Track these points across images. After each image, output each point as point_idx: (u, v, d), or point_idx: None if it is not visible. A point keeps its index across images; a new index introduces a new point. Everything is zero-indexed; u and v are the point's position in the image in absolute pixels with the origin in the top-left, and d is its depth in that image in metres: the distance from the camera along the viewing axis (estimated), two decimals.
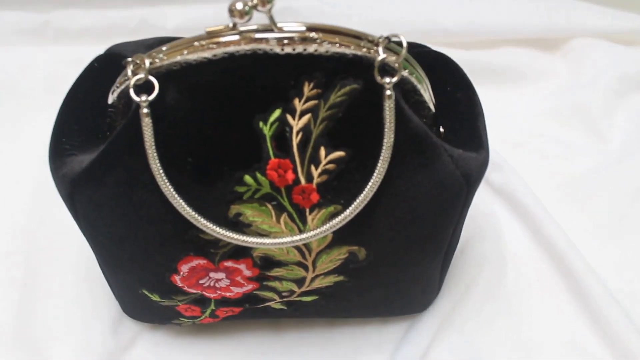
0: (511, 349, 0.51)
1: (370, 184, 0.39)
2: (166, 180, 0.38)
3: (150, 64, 0.37)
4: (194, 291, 0.46)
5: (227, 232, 0.39)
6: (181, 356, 0.51)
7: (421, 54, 0.43)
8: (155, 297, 0.47)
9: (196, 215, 0.39)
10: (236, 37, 0.36)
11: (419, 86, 0.40)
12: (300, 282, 0.45)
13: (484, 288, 0.54)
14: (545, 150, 0.64)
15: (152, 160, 0.38)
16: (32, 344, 0.51)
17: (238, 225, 0.40)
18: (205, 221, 0.39)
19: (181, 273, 0.44)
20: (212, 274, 0.44)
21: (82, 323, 0.51)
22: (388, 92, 0.37)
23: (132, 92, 0.37)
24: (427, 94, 0.41)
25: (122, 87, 0.39)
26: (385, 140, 0.38)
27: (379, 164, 0.39)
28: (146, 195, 0.39)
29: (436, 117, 0.43)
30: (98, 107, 0.42)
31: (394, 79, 0.37)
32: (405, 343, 0.51)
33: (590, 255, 0.55)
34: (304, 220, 0.41)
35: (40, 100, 0.70)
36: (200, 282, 0.45)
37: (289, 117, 0.38)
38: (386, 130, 0.38)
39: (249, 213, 0.40)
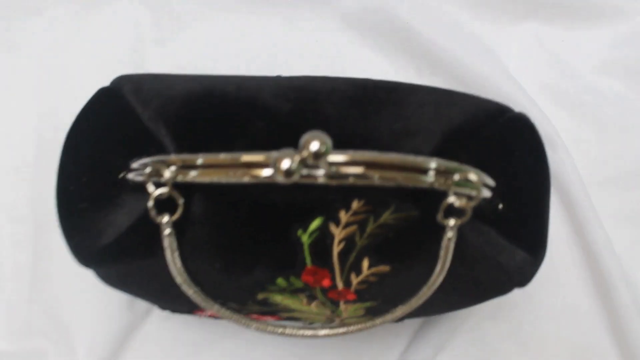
0: (523, 347, 0.52)
1: (415, 299, 0.36)
2: (193, 286, 0.35)
3: (173, 177, 0.31)
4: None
5: (255, 324, 0.37)
6: (193, 329, 0.52)
7: (495, 129, 0.36)
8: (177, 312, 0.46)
9: (220, 309, 0.37)
10: (273, 173, 0.30)
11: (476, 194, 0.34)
12: (328, 321, 0.44)
13: None
14: (605, 117, 0.56)
15: (175, 271, 0.34)
16: (50, 313, 0.51)
17: (266, 304, 0.38)
18: (228, 312, 0.37)
19: (204, 314, 0.42)
20: None
21: (99, 295, 0.51)
22: (449, 235, 0.32)
23: (152, 211, 0.32)
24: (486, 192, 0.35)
25: (139, 179, 0.34)
26: (437, 269, 0.34)
27: (425, 288, 0.35)
28: (168, 279, 0.36)
29: (496, 192, 0.38)
30: (106, 155, 0.37)
31: (459, 222, 0.32)
32: (416, 345, 0.51)
33: (628, 249, 0.52)
34: (336, 307, 0.38)
35: None
36: None
37: (331, 226, 0.33)
38: (440, 262, 0.34)
39: (279, 299, 0.38)
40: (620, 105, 0.55)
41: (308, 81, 0.36)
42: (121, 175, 0.36)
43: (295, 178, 0.29)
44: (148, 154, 0.35)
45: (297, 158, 0.28)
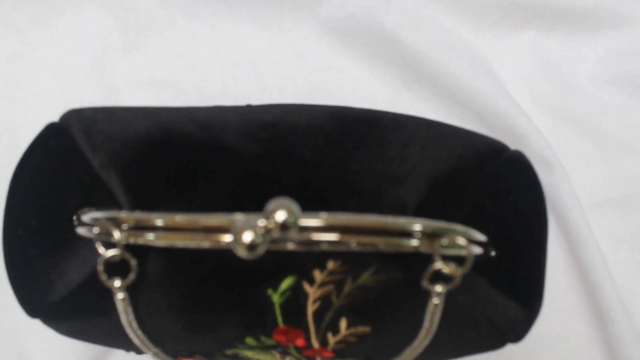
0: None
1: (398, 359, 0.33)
2: (152, 347, 0.32)
3: (125, 238, 0.28)
4: None
5: None
6: None
7: (489, 172, 0.32)
8: None
9: None
10: (234, 246, 0.26)
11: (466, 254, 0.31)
12: None
13: None
14: (606, 131, 0.52)
15: (131, 333, 0.31)
16: (12, 344, 0.48)
17: (236, 358, 0.35)
18: None
19: None
20: None
21: None
22: (436, 302, 0.29)
23: (102, 276, 0.29)
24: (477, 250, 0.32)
25: (89, 235, 0.30)
26: (421, 334, 0.31)
27: (409, 351, 0.32)
28: (126, 338, 0.33)
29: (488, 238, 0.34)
30: (55, 197, 0.33)
31: (446, 289, 0.29)
32: None
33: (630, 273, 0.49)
34: None
35: None
36: None
37: (305, 285, 0.30)
38: (424, 328, 0.31)
39: (249, 354, 0.34)
40: (623, 119, 0.51)
41: (280, 115, 0.32)
42: (74, 219, 0.32)
43: (259, 252, 0.25)
44: (101, 202, 0.31)
45: (261, 229, 0.25)
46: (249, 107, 0.34)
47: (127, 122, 0.32)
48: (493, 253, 0.34)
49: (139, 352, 0.40)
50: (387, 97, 0.50)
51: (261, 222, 0.25)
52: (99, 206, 0.31)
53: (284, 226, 0.25)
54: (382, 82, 0.50)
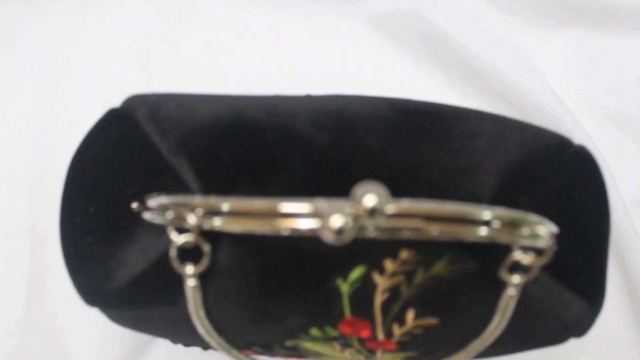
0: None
1: (463, 352, 0.32)
2: (217, 337, 0.31)
3: (199, 223, 0.27)
4: None
5: None
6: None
7: (557, 166, 0.32)
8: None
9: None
10: (321, 229, 0.26)
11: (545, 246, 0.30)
12: None
13: None
14: None
15: (198, 322, 0.31)
16: (46, 338, 0.47)
17: (294, 350, 0.35)
18: None
19: None
20: None
21: (100, 320, 0.47)
22: (512, 292, 0.29)
23: (175, 262, 0.28)
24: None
25: (159, 222, 0.29)
26: (492, 326, 0.31)
27: (477, 343, 0.31)
28: (189, 327, 0.32)
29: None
30: (116, 184, 0.33)
31: (525, 280, 0.28)
32: None
33: None
34: (371, 355, 0.35)
35: None
36: None
37: (375, 275, 0.30)
38: (496, 319, 0.30)
39: (309, 345, 0.34)
40: None
41: (344, 104, 0.32)
42: (135, 206, 0.32)
43: (347, 237, 0.25)
44: (165, 187, 0.31)
45: (351, 214, 0.24)
46: (309, 97, 0.34)
47: (193, 108, 0.31)
48: (556, 249, 0.33)
49: (189, 344, 0.39)
50: (431, 93, 0.50)
51: (349, 207, 0.25)
52: (164, 192, 0.31)
53: (372, 211, 0.24)
54: (426, 78, 0.50)
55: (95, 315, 0.46)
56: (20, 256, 0.48)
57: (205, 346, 0.38)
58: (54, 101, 0.49)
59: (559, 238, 0.32)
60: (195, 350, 0.47)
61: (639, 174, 0.50)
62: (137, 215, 0.32)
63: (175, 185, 0.31)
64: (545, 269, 0.32)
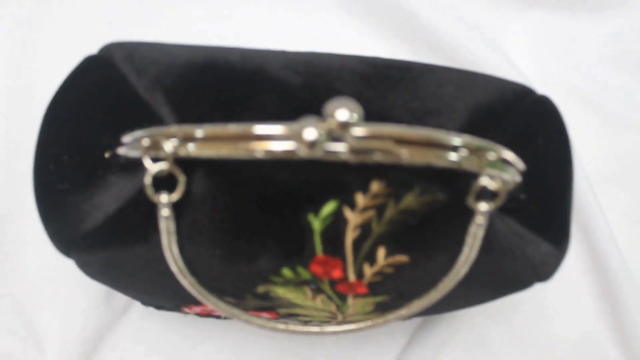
0: (525, 349, 0.49)
1: (434, 292, 0.33)
2: (189, 276, 0.31)
3: (175, 151, 0.28)
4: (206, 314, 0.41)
5: (254, 319, 0.34)
6: (177, 327, 0.48)
7: (521, 112, 0.33)
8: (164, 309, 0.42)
9: (218, 302, 0.33)
10: (295, 146, 0.26)
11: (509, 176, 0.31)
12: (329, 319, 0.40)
13: None
14: (610, 111, 0.53)
15: (170, 258, 0.31)
16: (18, 309, 0.46)
17: (265, 298, 0.35)
18: (227, 307, 0.34)
19: (191, 311, 0.39)
20: None
21: (73, 290, 0.47)
22: (479, 221, 0.29)
23: (149, 190, 0.28)
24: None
25: (134, 154, 0.30)
26: (462, 258, 0.31)
27: (447, 280, 0.32)
28: (161, 268, 0.33)
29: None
30: (91, 130, 0.33)
31: (492, 207, 0.29)
32: (413, 346, 0.48)
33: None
34: (343, 302, 0.35)
35: None
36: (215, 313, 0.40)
37: (346, 211, 0.30)
38: (465, 250, 0.31)
39: (281, 292, 0.34)
40: (627, 98, 0.53)
41: (315, 56, 0.33)
42: (108, 153, 0.32)
43: (319, 152, 0.25)
44: (141, 128, 0.31)
45: (324, 127, 0.25)
46: (283, 50, 0.34)
47: (170, 50, 0.32)
48: (522, 196, 0.34)
49: (159, 302, 0.39)
50: None
51: (322, 122, 0.25)
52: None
53: (345, 125, 0.25)
54: (393, 54, 0.51)
55: (61, 294, 0.47)
56: None
57: (175, 302, 0.38)
58: (28, 72, 0.49)
59: (524, 184, 0.33)
60: (171, 321, 0.47)
61: (601, 149, 0.52)
62: (112, 162, 0.32)
63: (152, 126, 0.31)
64: (512, 213, 0.33)
